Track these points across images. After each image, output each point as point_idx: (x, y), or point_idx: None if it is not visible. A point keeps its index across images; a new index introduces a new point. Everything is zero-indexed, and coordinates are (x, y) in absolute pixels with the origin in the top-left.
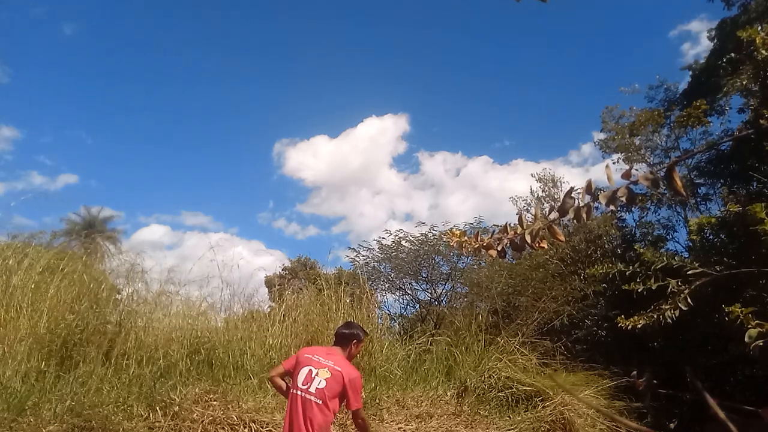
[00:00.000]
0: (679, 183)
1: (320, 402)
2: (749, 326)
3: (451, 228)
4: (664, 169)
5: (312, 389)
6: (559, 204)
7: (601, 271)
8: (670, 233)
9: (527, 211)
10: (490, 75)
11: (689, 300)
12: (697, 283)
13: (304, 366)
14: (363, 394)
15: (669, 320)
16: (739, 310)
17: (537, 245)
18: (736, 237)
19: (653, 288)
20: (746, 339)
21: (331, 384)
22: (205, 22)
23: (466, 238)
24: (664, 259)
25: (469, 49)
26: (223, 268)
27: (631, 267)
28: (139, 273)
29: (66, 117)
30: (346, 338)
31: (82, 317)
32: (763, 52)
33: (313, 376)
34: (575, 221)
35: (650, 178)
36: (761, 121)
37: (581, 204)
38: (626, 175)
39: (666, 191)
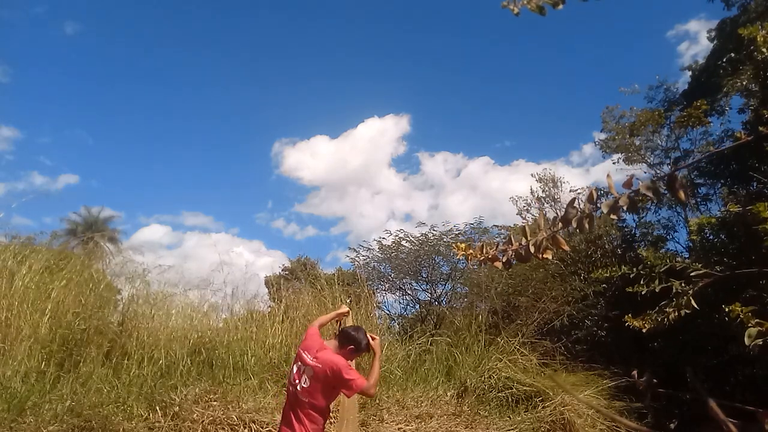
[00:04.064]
0: (681, 193)
1: (306, 400)
2: (749, 325)
3: (458, 242)
4: (666, 178)
5: (299, 387)
6: (562, 214)
7: (605, 274)
8: (671, 233)
9: (527, 211)
10: (492, 76)
11: (693, 302)
12: (700, 284)
13: (297, 361)
14: (357, 377)
15: (672, 322)
16: (740, 309)
17: (541, 257)
18: (736, 237)
19: (656, 290)
20: (746, 338)
21: (314, 383)
22: (205, 21)
23: (471, 250)
24: (667, 260)
25: (471, 49)
26: (224, 268)
27: (634, 269)
28: (140, 273)
29: (66, 117)
30: (346, 338)
31: (83, 318)
32: (764, 51)
33: (301, 373)
34: (578, 231)
35: (651, 188)
36: (761, 129)
37: (583, 213)
38: (627, 184)
39: (666, 191)
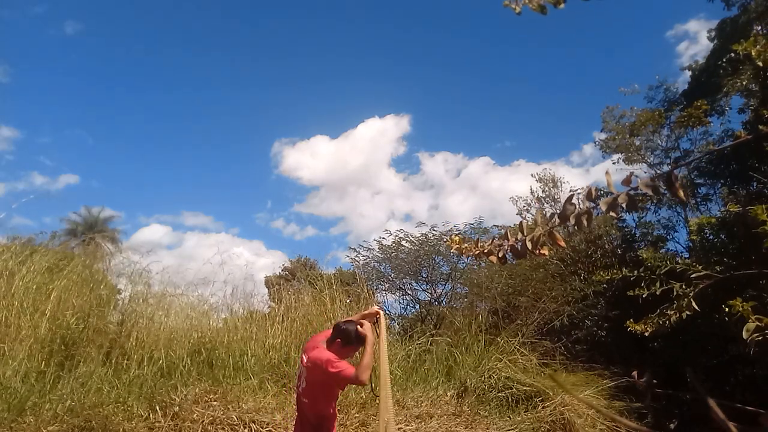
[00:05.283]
0: (681, 192)
1: (306, 401)
2: (749, 320)
3: (452, 235)
4: (665, 176)
5: (300, 389)
6: (560, 210)
7: (606, 276)
8: (670, 233)
9: (527, 211)
10: (492, 76)
11: (694, 304)
12: (701, 285)
13: (299, 365)
14: (344, 367)
15: (673, 324)
16: (740, 304)
17: (538, 252)
18: (736, 237)
19: (657, 293)
20: (744, 332)
21: (309, 384)
22: (205, 21)
23: (466, 244)
24: (668, 262)
25: (471, 49)
26: (224, 268)
27: (635, 272)
28: (140, 274)
29: (66, 117)
30: (334, 333)
31: (83, 318)
32: (760, 63)
33: (300, 375)
34: (577, 228)
35: (650, 185)
36: (761, 127)
37: (582, 210)
38: (626, 181)
39: (666, 192)
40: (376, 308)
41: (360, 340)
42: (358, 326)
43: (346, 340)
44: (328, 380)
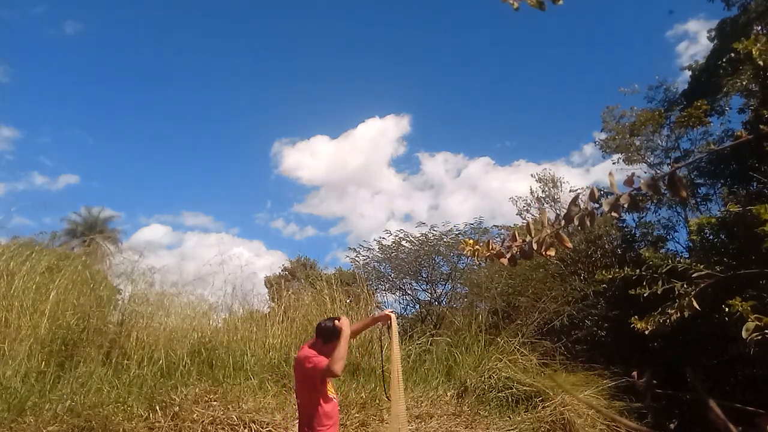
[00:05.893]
0: (683, 191)
1: (299, 401)
2: (748, 320)
3: (465, 238)
4: (667, 176)
5: (294, 389)
6: (564, 212)
7: (608, 276)
8: (671, 233)
9: (527, 211)
10: (492, 76)
11: (695, 303)
12: (702, 285)
13: None
14: (318, 360)
15: (674, 323)
16: (739, 303)
17: (544, 253)
18: (736, 237)
19: (659, 292)
20: (743, 331)
21: (297, 382)
22: (205, 21)
23: (478, 246)
24: (669, 261)
25: (471, 49)
26: (224, 268)
27: (637, 270)
28: (140, 273)
29: (66, 117)
30: (316, 332)
31: (83, 318)
32: (760, 62)
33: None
34: (580, 228)
35: (652, 185)
36: (761, 127)
37: (585, 211)
38: (629, 182)
39: (666, 191)
40: (388, 311)
41: (338, 334)
42: (336, 321)
43: (327, 337)
44: (308, 376)
